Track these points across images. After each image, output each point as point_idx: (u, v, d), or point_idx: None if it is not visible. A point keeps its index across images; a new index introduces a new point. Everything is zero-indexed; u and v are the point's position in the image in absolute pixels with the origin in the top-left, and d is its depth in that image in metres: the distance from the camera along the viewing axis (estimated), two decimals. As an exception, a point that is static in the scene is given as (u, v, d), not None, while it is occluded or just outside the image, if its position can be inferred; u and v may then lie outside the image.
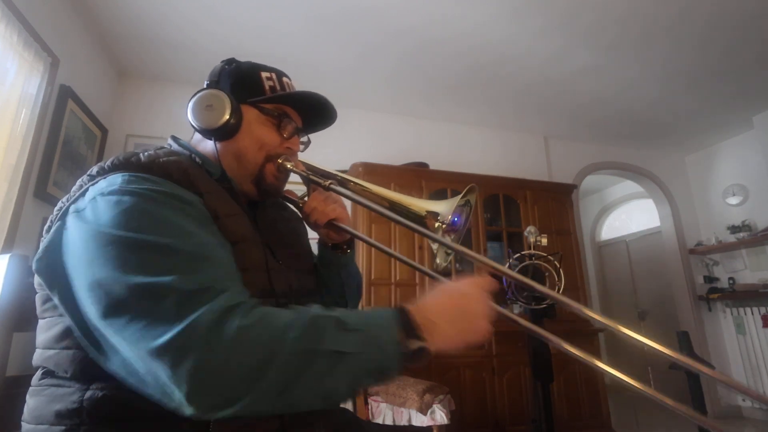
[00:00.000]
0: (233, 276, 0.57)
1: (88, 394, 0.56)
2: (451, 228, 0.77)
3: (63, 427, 0.56)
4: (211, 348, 0.48)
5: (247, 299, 0.55)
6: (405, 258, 0.80)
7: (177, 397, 0.48)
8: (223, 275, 0.55)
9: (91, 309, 0.53)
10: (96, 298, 0.52)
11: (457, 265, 3.29)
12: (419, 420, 1.98)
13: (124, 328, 0.50)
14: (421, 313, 0.57)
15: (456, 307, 0.59)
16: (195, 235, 0.57)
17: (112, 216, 0.55)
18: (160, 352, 0.48)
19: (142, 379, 0.51)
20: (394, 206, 0.79)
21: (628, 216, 5.51)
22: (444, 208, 0.77)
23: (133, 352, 0.50)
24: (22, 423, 0.61)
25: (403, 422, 2.03)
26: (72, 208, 0.60)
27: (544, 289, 0.67)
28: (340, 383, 0.52)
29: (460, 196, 0.79)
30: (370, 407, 2.15)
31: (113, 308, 0.51)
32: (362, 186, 0.84)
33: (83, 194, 0.61)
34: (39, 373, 0.63)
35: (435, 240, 0.73)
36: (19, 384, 0.76)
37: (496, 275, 0.67)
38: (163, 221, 0.56)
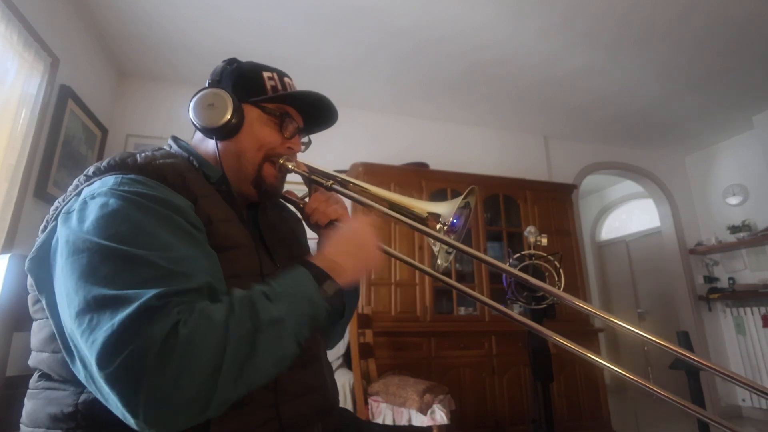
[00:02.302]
0: (202, 292, 0.55)
1: (83, 397, 0.56)
2: (451, 229, 0.77)
3: (59, 431, 0.56)
4: (162, 366, 0.46)
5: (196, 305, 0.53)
6: (406, 257, 0.80)
7: (136, 424, 0.47)
8: (190, 290, 0.53)
9: (64, 316, 0.53)
10: (66, 305, 0.52)
11: (457, 265, 3.29)
12: (419, 420, 1.98)
13: (83, 341, 0.49)
14: (324, 260, 0.66)
15: (350, 243, 0.70)
16: (173, 248, 0.55)
17: (95, 219, 0.55)
18: (111, 379, 0.46)
19: (104, 397, 0.49)
20: (395, 207, 0.79)
21: (628, 216, 5.51)
22: (445, 209, 0.77)
23: (92, 370, 0.48)
24: (21, 425, 0.61)
25: (403, 422, 2.03)
26: (64, 209, 0.60)
27: (545, 285, 0.67)
28: (285, 345, 0.56)
29: (461, 197, 0.79)
30: (370, 407, 2.15)
31: (76, 318, 0.50)
32: (362, 187, 0.83)
33: (78, 195, 0.61)
34: (35, 375, 0.63)
35: (440, 240, 0.74)
36: (19, 384, 0.76)
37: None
38: (143, 230, 0.55)
